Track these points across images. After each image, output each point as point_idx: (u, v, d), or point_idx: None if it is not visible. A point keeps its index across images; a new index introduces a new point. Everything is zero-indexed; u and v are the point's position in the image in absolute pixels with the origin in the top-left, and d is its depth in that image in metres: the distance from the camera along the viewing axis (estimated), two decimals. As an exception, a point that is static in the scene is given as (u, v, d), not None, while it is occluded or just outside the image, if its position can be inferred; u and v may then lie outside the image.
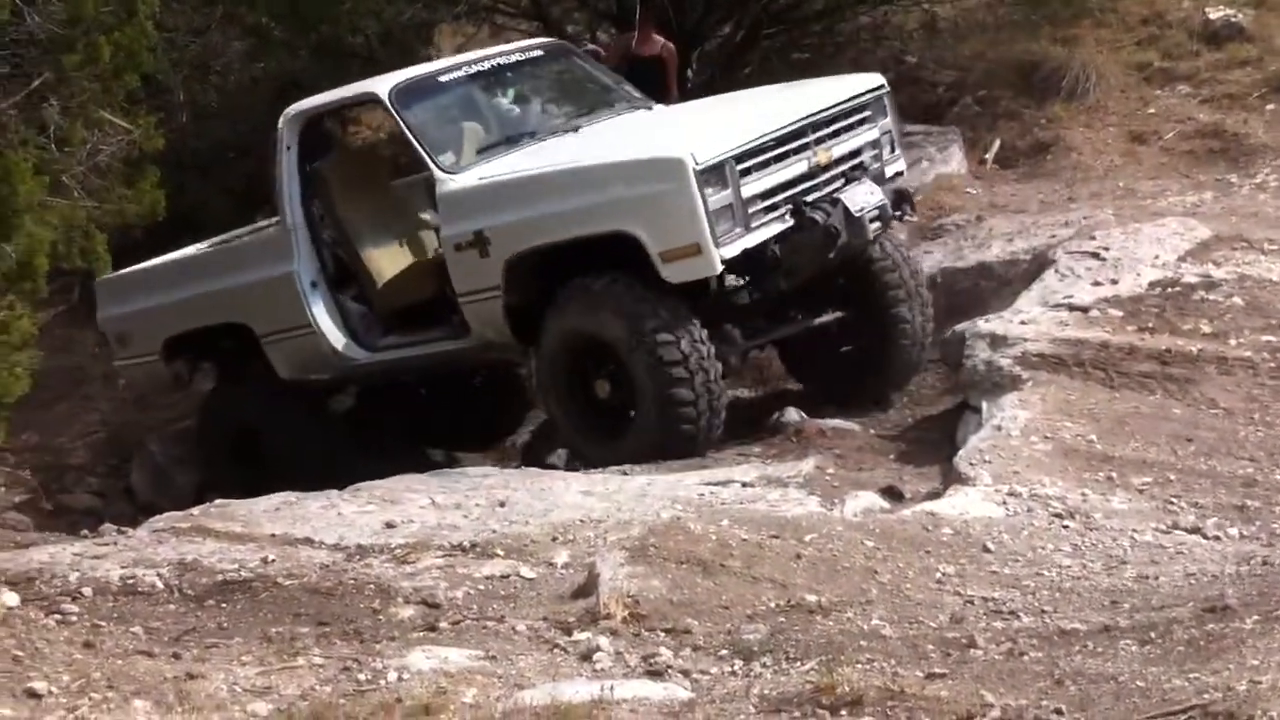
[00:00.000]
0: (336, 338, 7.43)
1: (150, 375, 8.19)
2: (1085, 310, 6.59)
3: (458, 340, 7.08)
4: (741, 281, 6.79)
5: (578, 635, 3.63)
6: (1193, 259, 7.87)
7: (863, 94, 7.19)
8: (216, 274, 7.77)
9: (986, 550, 4.01)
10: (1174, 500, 4.43)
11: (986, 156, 9.86)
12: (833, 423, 6.73)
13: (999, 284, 8.38)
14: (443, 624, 3.77)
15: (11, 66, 5.65)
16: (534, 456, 7.69)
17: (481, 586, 4.10)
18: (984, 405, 5.62)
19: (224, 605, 4.05)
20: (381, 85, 7.28)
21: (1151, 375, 5.68)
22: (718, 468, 5.95)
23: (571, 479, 5.53)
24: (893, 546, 4.01)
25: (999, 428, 5.07)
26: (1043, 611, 3.53)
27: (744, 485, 5.50)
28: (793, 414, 6.77)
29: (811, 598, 3.62)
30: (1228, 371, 5.76)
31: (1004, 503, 4.36)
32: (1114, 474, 4.65)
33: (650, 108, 7.86)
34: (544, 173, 6.76)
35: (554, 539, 4.60)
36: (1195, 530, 4.19)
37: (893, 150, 7.39)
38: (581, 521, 4.75)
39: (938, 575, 3.83)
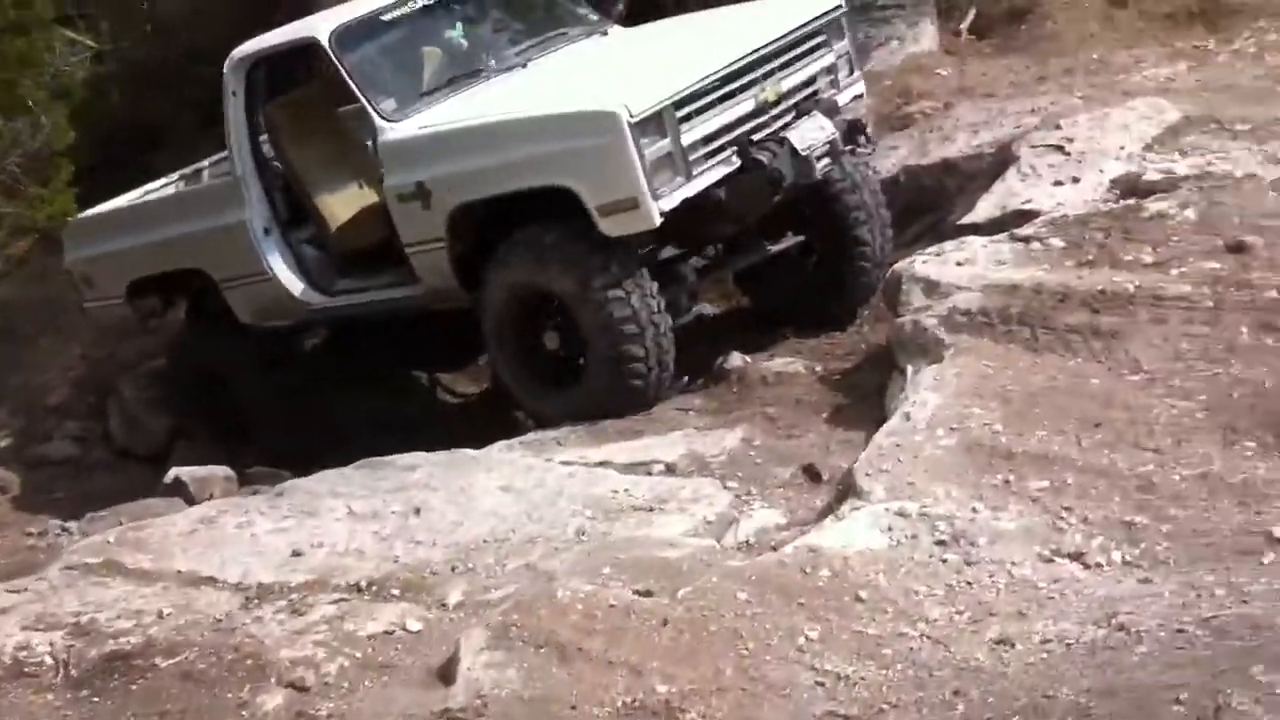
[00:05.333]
0: (293, 284, 7.31)
1: (118, 318, 8.14)
2: (1026, 241, 6.28)
3: (408, 287, 6.94)
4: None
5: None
6: (1159, 148, 7.51)
7: (817, 18, 6.78)
8: (174, 220, 7.65)
9: (859, 600, 3.89)
10: (1065, 514, 4.26)
11: (962, 27, 9.36)
12: (776, 365, 6.55)
13: (964, 180, 8.07)
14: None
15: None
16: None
17: (360, 654, 4.06)
18: (907, 373, 5.42)
19: (95, 699, 4.05)
20: (322, 27, 6.97)
21: (1079, 330, 5.42)
22: (650, 434, 5.83)
23: (495, 468, 5.43)
24: (765, 599, 3.90)
25: (907, 416, 4.88)
26: (881, 711, 3.42)
27: (666, 469, 5.40)
28: (736, 359, 6.60)
29: (662, 688, 3.53)
30: (1161, 318, 5.47)
31: (889, 528, 4.21)
32: (1012, 476, 4.47)
33: (605, 32, 7.49)
34: (480, 124, 6.51)
35: (454, 568, 4.55)
36: (1078, 556, 4.03)
37: (850, 73, 7.00)
38: (486, 541, 4.69)
39: (800, 641, 3.72)
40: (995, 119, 8.23)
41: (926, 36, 9.19)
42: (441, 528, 4.87)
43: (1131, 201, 6.73)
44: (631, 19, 8.51)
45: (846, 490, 4.52)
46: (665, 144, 6.11)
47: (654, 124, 6.07)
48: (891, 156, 8.34)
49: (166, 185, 8.20)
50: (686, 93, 6.17)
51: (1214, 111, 7.67)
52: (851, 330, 6.97)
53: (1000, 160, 7.80)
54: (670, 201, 6.13)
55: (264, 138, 7.42)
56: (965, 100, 8.53)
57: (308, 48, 6.99)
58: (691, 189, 6.21)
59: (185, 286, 7.83)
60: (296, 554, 4.81)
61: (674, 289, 6.85)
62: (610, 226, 6.14)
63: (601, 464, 5.54)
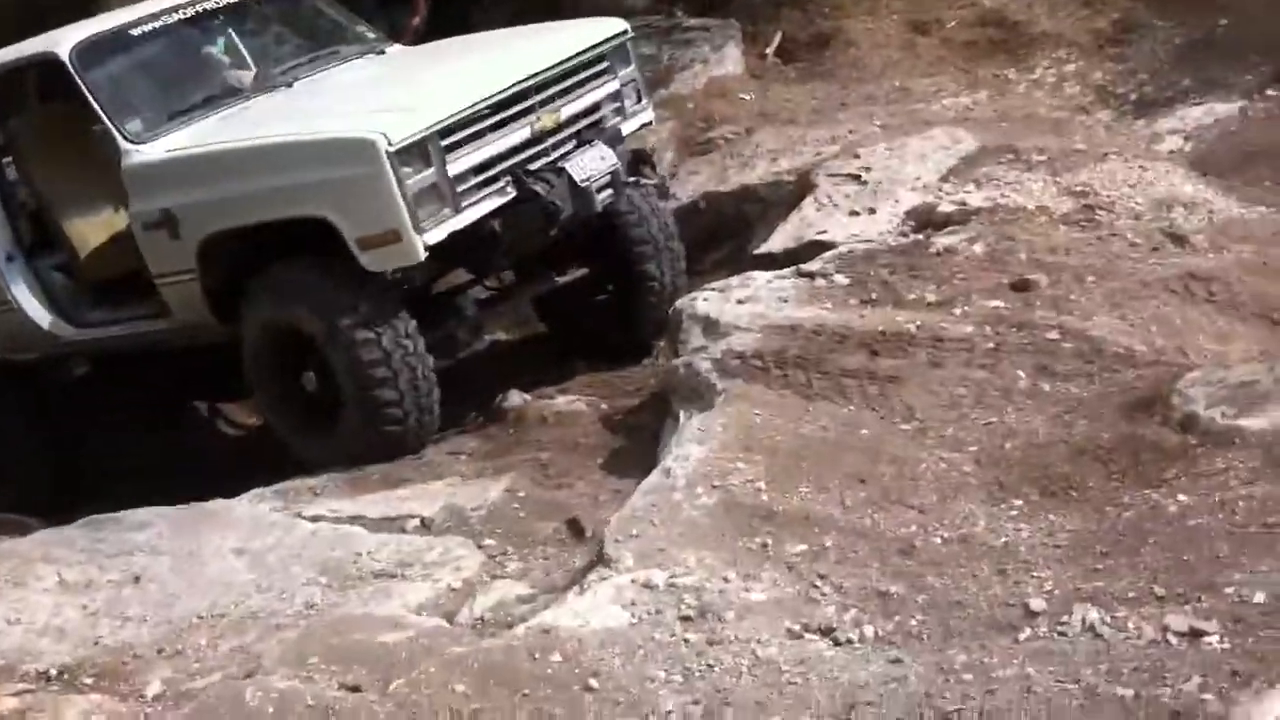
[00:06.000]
0: (40, 314, 6.73)
1: None
2: (811, 278, 6.03)
3: (161, 320, 6.41)
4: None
5: None
6: (955, 179, 7.35)
7: (598, 44, 6.44)
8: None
9: (589, 689, 3.52)
10: (820, 582, 3.95)
11: (767, 51, 9.14)
12: (559, 404, 6.20)
13: (764, 207, 7.85)
14: None
15: None
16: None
17: (27, 766, 3.58)
18: (678, 419, 5.10)
19: None
20: (62, 44, 6.39)
21: (855, 374, 5.16)
22: (415, 482, 5.43)
23: (234, 526, 4.97)
24: (487, 691, 3.51)
25: (668, 472, 4.54)
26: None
27: (422, 524, 5.01)
28: (515, 397, 6.22)
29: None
30: (939, 361, 5.24)
31: (633, 602, 3.85)
32: (770, 540, 4.15)
33: (382, 51, 7.05)
34: (231, 149, 6.01)
35: (160, 650, 4.08)
36: (828, 632, 3.72)
37: (638, 100, 6.67)
38: (201, 618, 4.24)
39: (513, 741, 3.36)
40: (796, 146, 8.03)
41: (731, 59, 8.96)
42: (158, 600, 4.39)
43: (921, 236, 6.54)
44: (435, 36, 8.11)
45: (594, 559, 4.16)
46: (430, 174, 5.70)
47: (416, 153, 5.66)
48: (691, 182, 8.10)
49: None
50: (452, 120, 5.78)
51: (1012, 141, 7.54)
52: (646, 364, 6.66)
53: (800, 188, 7.59)
54: (436, 234, 5.72)
55: (9, 160, 6.83)
56: (767, 126, 8.31)
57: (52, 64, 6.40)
58: (460, 221, 5.82)
59: None
60: (-10, 632, 4.30)
61: (452, 323, 6.48)
62: (371, 261, 5.72)
63: (353, 518, 5.12)
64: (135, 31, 6.53)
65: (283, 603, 4.36)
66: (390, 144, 5.57)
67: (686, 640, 3.70)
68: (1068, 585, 3.71)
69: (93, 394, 7.54)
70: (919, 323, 5.55)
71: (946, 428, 4.80)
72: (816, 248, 6.80)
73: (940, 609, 3.76)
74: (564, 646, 3.66)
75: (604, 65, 6.52)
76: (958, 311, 5.65)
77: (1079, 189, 6.88)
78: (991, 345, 5.35)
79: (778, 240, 7.14)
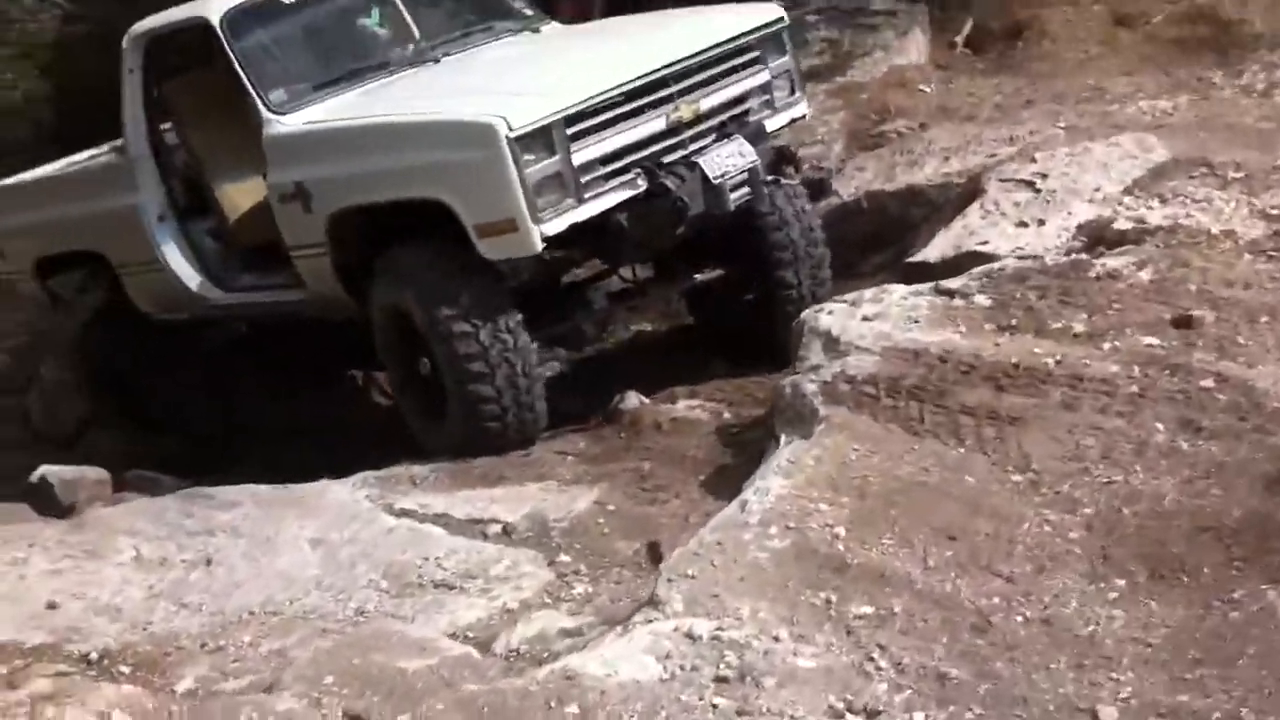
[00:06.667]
0: (189, 276, 6.80)
1: (32, 291, 7.72)
2: (950, 296, 5.58)
3: (298, 290, 6.40)
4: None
5: None
6: (1138, 192, 6.76)
7: (748, 33, 6.07)
8: (74, 198, 7.18)
9: (596, 750, 3.29)
10: (878, 653, 3.59)
11: (956, 40, 8.60)
12: (679, 409, 5.93)
13: (929, 209, 7.40)
14: None
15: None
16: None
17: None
18: (779, 443, 4.77)
19: None
20: (214, 8, 6.40)
21: (974, 411, 4.72)
22: (511, 482, 5.27)
23: (319, 513, 4.88)
24: (492, 740, 3.31)
25: (744, 506, 4.24)
26: None
27: (503, 530, 4.83)
28: (632, 399, 5.97)
29: None
30: (1072, 404, 4.76)
31: (669, 655, 3.57)
32: (835, 596, 3.81)
33: (538, 29, 6.85)
34: (360, 125, 5.93)
35: (203, 644, 4.01)
36: (874, 715, 3.38)
37: (791, 92, 6.28)
38: (253, 613, 4.17)
39: (509, 802, 3.14)
40: (971, 145, 7.52)
41: (914, 47, 8.45)
42: (221, 587, 4.34)
43: (1085, 256, 6.01)
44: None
45: (646, 597, 3.90)
46: (553, 162, 5.47)
47: (539, 140, 5.43)
48: (856, 179, 7.68)
49: (90, 158, 7.71)
50: (579, 108, 5.53)
51: (1207, 153, 6.88)
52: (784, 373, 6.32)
53: (969, 192, 7.11)
54: (556, 226, 5.50)
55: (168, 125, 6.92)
56: (944, 121, 7.81)
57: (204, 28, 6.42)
58: (583, 213, 5.58)
59: (99, 267, 7.35)
60: (51, 606, 4.31)
61: (580, 315, 6.27)
62: (488, 249, 5.55)
63: (438, 517, 4.98)
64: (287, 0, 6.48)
65: (337, 604, 4.25)
66: (511, 129, 5.37)
67: (715, 706, 3.41)
68: (1147, 694, 3.27)
69: (251, 355, 7.66)
70: (1058, 357, 5.06)
71: (1063, 483, 4.35)
72: (974, 259, 6.34)
73: (1002, 704, 3.37)
74: (584, 697, 3.42)
75: (754, 55, 6.17)
76: (1105, 347, 5.14)
77: (1274, 212, 6.22)
78: (1135, 390, 4.84)
79: (935, 249, 6.69)
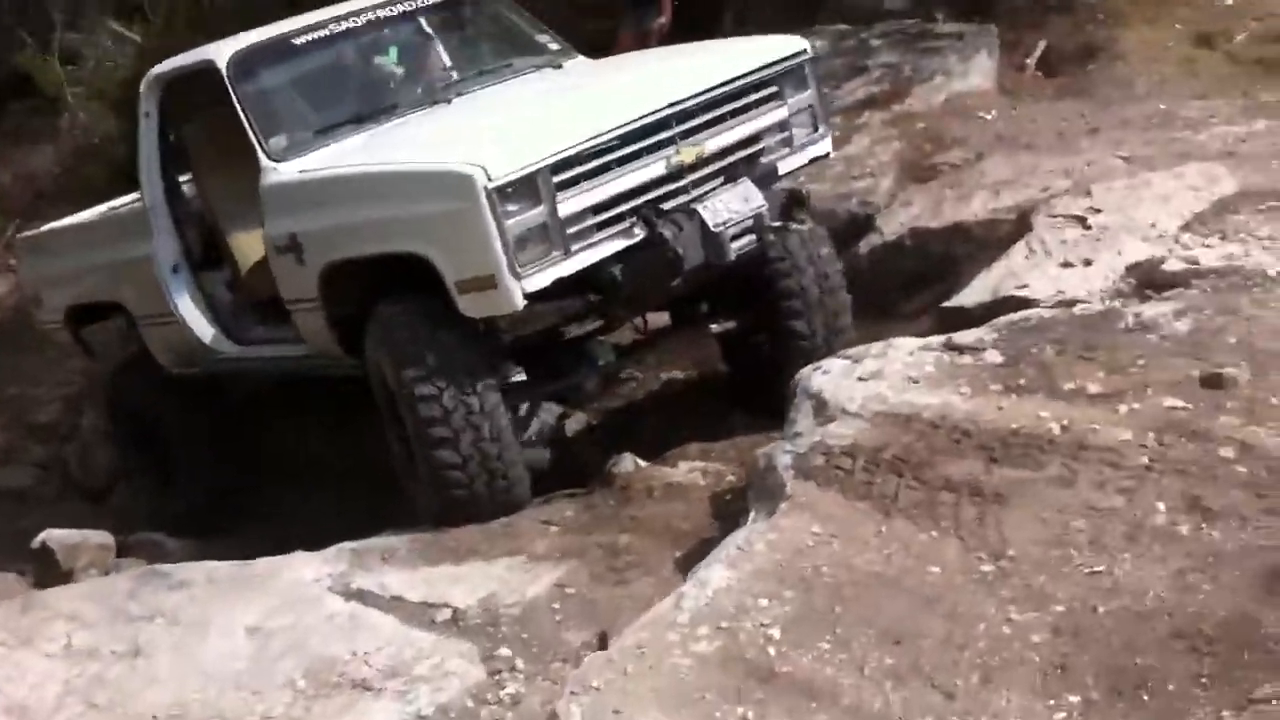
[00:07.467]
0: (203, 329, 6.69)
1: (66, 340, 7.73)
2: (960, 352, 5.13)
3: (298, 346, 6.24)
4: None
5: None
6: (1198, 228, 6.22)
7: (760, 69, 5.71)
8: (100, 246, 7.15)
9: None
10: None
11: (1028, 61, 8.08)
12: (678, 473, 5.59)
13: (975, 248, 6.94)
14: None
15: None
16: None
17: None
18: (746, 522, 4.39)
19: None
20: (223, 50, 6.28)
21: (957, 487, 4.28)
22: (479, 558, 5.00)
23: (259, 601, 4.65)
24: None
25: (679, 600, 3.88)
26: None
27: (452, 617, 4.56)
28: (627, 463, 5.64)
29: None
30: (1068, 479, 4.28)
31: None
32: (754, 712, 3.43)
33: (560, 65, 6.58)
34: (347, 174, 5.73)
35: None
36: None
37: (814, 128, 5.89)
38: (154, 718, 3.94)
39: None
40: (1024, 177, 7.03)
41: (979, 71, 7.95)
42: (135, 685, 4.13)
43: (1116, 304, 5.51)
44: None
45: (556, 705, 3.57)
46: (537, 213, 5.17)
47: (521, 190, 5.14)
48: (901, 215, 7.25)
49: (124, 205, 7.70)
50: (566, 155, 5.23)
51: (1278, 185, 6.31)
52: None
53: (1017, 228, 6.64)
54: (539, 281, 5.21)
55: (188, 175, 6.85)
56: (1000, 151, 7.32)
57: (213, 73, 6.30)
58: (570, 266, 5.27)
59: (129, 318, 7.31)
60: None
61: (582, 371, 5.96)
62: (468, 306, 5.28)
63: (393, 599, 4.72)
64: (299, 41, 6.30)
65: (245, 707, 4.00)
66: (490, 179, 5.08)
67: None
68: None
69: (279, 398, 7.54)
70: (1066, 422, 4.58)
71: (1038, 574, 3.89)
72: (1012, 304, 5.90)
73: None
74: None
75: (770, 90, 5.80)
76: (1120, 410, 4.64)
77: (1345, 252, 5.63)
78: (1144, 461, 4.33)
79: (973, 292, 6.24)
